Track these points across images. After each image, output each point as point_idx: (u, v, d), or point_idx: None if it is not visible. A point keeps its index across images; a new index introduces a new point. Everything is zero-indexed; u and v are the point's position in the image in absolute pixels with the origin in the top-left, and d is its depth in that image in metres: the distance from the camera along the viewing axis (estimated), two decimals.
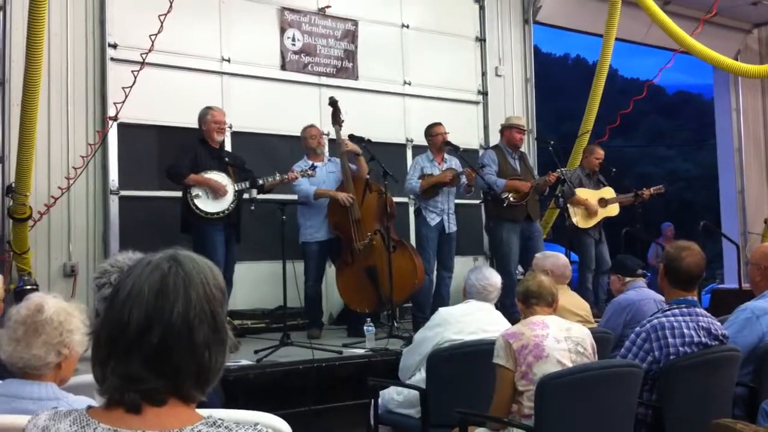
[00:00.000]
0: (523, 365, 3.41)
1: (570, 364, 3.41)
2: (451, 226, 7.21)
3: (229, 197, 6.11)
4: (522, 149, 7.80)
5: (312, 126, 7.09)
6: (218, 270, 1.47)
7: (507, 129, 7.60)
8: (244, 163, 6.49)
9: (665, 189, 8.42)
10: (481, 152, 9.11)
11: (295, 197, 6.85)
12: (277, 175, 6.37)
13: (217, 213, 6.07)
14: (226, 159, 6.34)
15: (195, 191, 6.05)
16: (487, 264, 8.59)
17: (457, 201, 7.65)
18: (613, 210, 8.03)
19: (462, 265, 7.77)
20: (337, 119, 6.91)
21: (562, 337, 3.51)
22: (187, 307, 1.36)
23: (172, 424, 1.35)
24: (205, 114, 6.38)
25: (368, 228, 6.67)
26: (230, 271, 6.20)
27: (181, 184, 6.13)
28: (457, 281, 7.00)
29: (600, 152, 8.17)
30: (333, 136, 7.15)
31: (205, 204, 6.04)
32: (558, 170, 7.28)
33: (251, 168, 6.54)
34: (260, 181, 6.29)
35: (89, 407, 1.42)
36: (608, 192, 8.06)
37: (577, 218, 7.82)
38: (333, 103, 6.97)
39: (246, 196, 6.38)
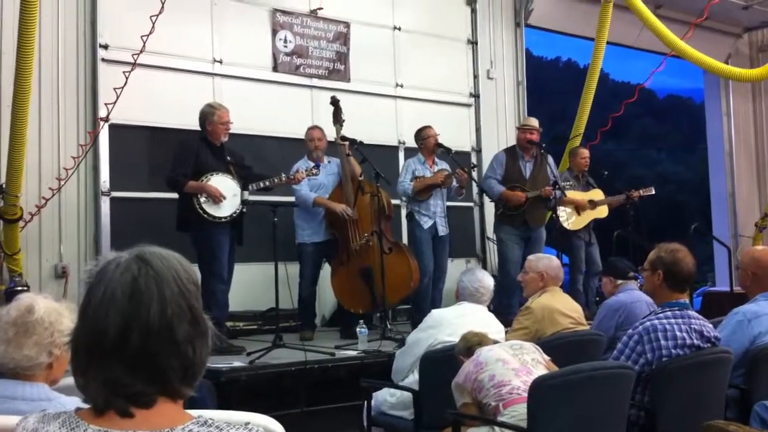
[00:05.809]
0: (474, 384, 3.47)
1: (511, 358, 3.50)
2: (443, 229, 7.21)
3: (237, 200, 5.95)
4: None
5: (313, 128, 7.00)
6: (188, 263, 1.44)
7: (517, 131, 7.79)
8: (243, 160, 6.36)
9: (653, 191, 8.43)
10: (473, 155, 9.16)
11: (286, 199, 6.82)
12: (283, 175, 6.26)
13: (226, 217, 5.93)
14: (228, 158, 6.14)
15: (202, 197, 5.87)
16: (480, 266, 8.61)
17: (450, 203, 7.65)
18: (603, 212, 8.04)
19: (454, 267, 7.77)
20: (338, 118, 6.84)
21: (491, 343, 3.71)
22: (163, 307, 1.34)
23: (163, 423, 1.33)
24: (211, 114, 6.10)
25: (365, 229, 6.66)
26: (231, 272, 6.12)
27: (181, 193, 6.01)
28: (449, 283, 7.00)
29: (585, 152, 8.24)
30: (332, 136, 7.01)
31: (212, 208, 5.88)
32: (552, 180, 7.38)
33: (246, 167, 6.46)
34: (267, 183, 6.12)
35: (78, 409, 1.40)
36: (597, 194, 8.07)
37: (567, 221, 7.83)
38: (335, 102, 6.89)
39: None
